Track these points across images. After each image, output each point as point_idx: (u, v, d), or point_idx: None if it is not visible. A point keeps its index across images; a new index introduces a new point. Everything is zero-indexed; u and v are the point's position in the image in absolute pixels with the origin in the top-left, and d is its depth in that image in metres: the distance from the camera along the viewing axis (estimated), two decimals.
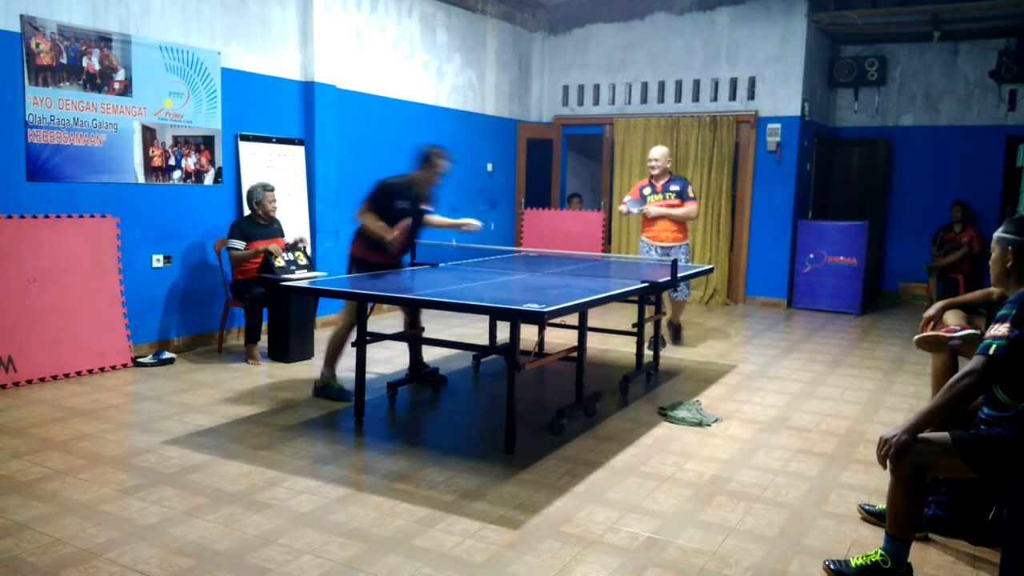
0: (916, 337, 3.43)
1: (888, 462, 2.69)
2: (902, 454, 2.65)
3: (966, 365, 2.66)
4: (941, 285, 9.30)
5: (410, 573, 2.84)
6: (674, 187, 6.60)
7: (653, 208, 6.57)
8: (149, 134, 5.95)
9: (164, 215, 6.12)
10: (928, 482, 2.93)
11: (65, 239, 5.38)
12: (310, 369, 5.86)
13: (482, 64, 9.61)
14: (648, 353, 5.92)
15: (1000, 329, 2.60)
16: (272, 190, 6.14)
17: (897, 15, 8.90)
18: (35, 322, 5.18)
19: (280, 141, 7.04)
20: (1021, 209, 8.02)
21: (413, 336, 5.33)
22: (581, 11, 10.14)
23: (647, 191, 6.70)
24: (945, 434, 2.71)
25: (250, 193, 6.11)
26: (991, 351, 2.58)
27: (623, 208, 6.72)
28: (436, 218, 5.48)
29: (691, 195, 6.63)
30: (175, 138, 6.13)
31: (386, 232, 4.88)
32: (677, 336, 7.04)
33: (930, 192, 9.96)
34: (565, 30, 10.39)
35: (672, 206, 6.59)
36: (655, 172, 6.64)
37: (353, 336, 4.74)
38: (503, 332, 4.54)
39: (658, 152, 6.66)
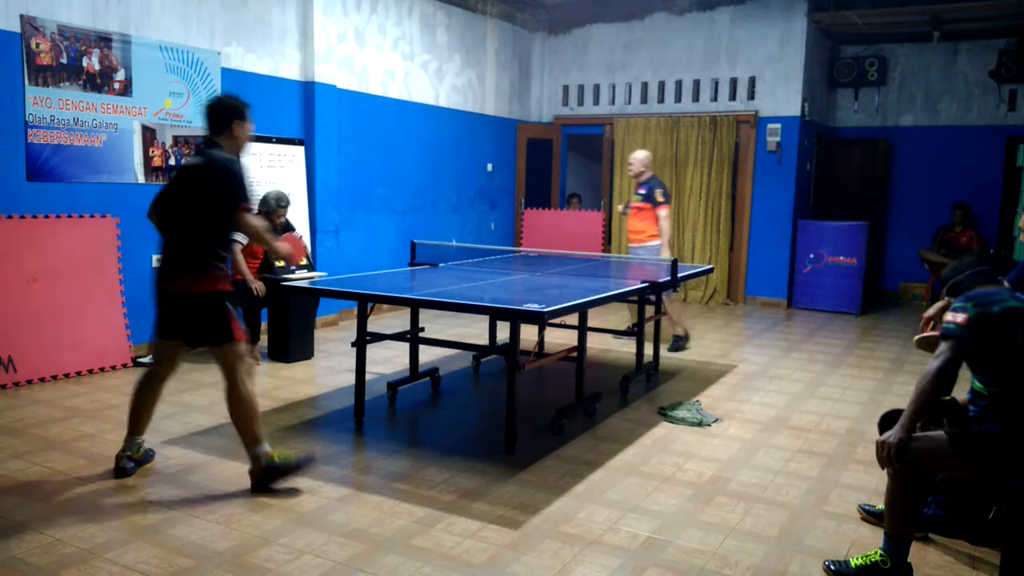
0: (916, 337, 3.43)
1: (888, 464, 2.71)
2: (902, 453, 2.67)
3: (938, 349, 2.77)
4: (939, 285, 9.30)
5: (410, 573, 2.84)
6: (641, 191, 6.73)
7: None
8: (149, 134, 5.95)
9: None
10: (927, 481, 2.95)
11: (65, 239, 5.38)
12: (310, 369, 5.86)
13: (482, 64, 9.61)
14: (648, 353, 5.91)
15: (951, 316, 2.76)
16: (287, 206, 5.94)
17: (897, 15, 8.90)
18: (35, 322, 5.18)
19: (280, 141, 7.04)
20: (1021, 209, 8.03)
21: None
22: (581, 11, 10.14)
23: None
24: (941, 433, 2.75)
25: (264, 200, 5.85)
26: (948, 330, 2.73)
27: (620, 208, 7.13)
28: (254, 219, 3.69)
29: (659, 199, 6.59)
30: (175, 138, 6.13)
31: (275, 243, 3.75)
32: (675, 345, 6.81)
33: (930, 192, 9.96)
34: (565, 30, 10.39)
35: (640, 208, 6.73)
36: (631, 175, 6.86)
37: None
38: (503, 332, 4.54)
39: (632, 156, 6.85)
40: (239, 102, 3.69)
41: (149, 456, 3.87)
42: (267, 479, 3.52)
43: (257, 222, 3.64)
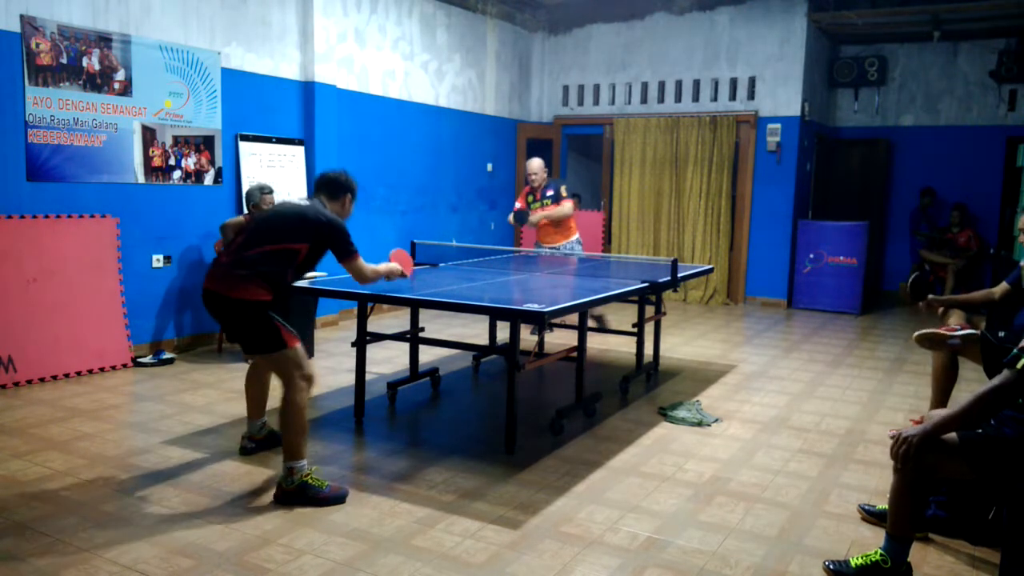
0: (916, 334, 3.44)
1: (901, 460, 2.65)
2: (918, 454, 2.61)
3: (996, 377, 2.57)
4: (940, 286, 9.31)
5: (410, 573, 2.84)
6: (549, 192, 6.82)
7: (534, 216, 6.82)
8: (149, 134, 5.95)
9: (164, 215, 6.11)
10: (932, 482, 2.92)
11: (65, 239, 5.38)
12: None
13: (482, 64, 9.61)
14: (648, 353, 5.90)
15: None
16: (270, 192, 6.02)
17: (897, 15, 8.89)
18: (35, 322, 5.18)
19: (280, 141, 7.04)
20: (1021, 209, 8.02)
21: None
22: (581, 11, 10.14)
23: (530, 199, 6.89)
24: (953, 435, 2.66)
25: (248, 195, 5.99)
26: (1020, 364, 2.50)
27: (511, 219, 6.99)
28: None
29: (564, 195, 6.85)
30: (175, 138, 6.13)
31: (384, 270, 4.02)
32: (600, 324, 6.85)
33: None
34: (565, 30, 10.39)
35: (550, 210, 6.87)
36: (535, 184, 6.85)
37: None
38: (503, 332, 4.54)
39: (536, 165, 6.91)
40: (354, 183, 3.95)
41: (273, 437, 3.98)
42: (296, 499, 3.40)
43: (366, 266, 3.85)
